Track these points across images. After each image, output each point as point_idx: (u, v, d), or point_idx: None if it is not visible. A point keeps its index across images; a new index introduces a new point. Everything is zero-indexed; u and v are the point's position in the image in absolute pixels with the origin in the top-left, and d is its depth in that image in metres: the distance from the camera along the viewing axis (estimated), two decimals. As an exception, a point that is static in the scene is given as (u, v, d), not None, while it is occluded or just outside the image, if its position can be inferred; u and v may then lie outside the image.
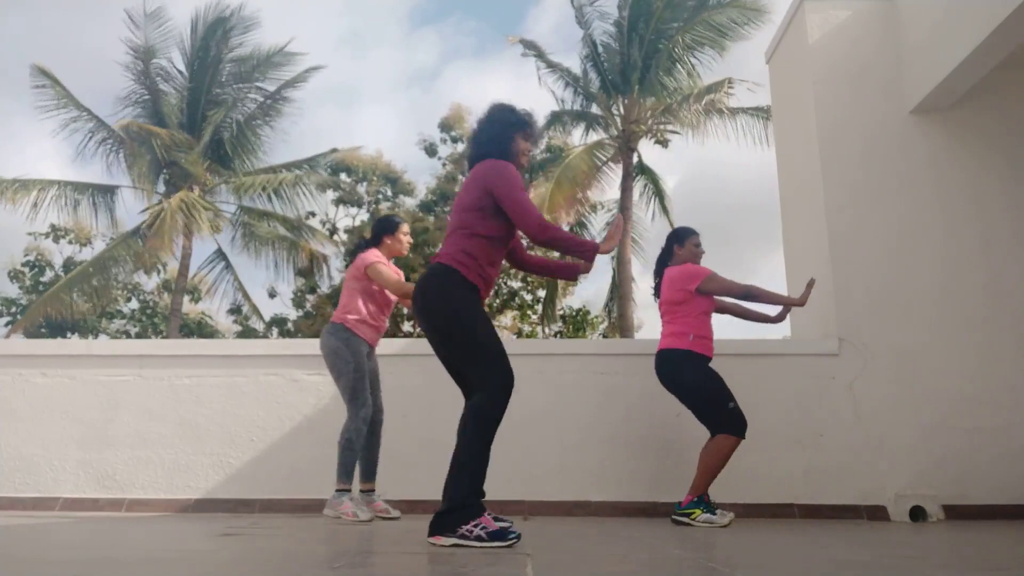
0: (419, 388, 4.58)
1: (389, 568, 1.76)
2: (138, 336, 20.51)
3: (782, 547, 2.48)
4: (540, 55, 14.78)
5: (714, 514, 3.79)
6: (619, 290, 14.58)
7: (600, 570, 1.77)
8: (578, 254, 2.83)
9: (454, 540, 2.39)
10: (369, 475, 4.08)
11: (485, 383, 2.60)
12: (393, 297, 4.11)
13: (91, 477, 4.67)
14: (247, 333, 19.88)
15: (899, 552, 2.31)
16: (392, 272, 4.04)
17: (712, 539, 2.79)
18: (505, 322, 18.76)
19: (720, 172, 36.44)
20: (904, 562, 1.99)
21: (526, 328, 18.90)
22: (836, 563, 1.95)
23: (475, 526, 2.40)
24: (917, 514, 4.34)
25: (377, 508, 4.00)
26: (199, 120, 15.49)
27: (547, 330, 18.45)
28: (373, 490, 4.08)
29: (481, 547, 2.34)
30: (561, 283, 17.00)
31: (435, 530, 2.45)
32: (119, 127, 14.73)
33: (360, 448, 3.91)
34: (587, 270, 3.09)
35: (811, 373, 4.66)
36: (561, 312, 18.69)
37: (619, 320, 14.68)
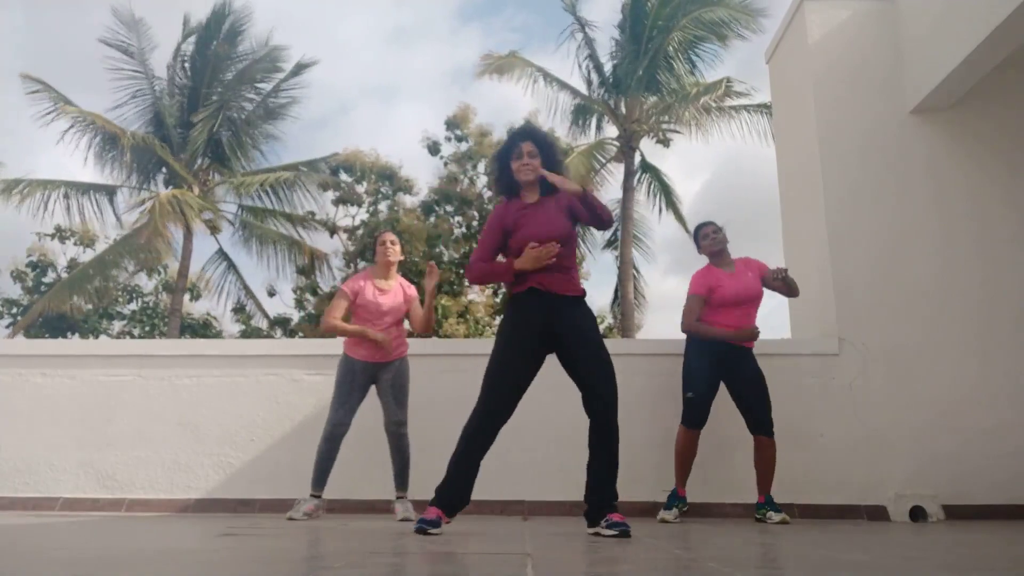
0: (419, 388, 4.58)
1: (389, 568, 1.76)
2: (140, 338, 20.48)
3: (782, 547, 2.48)
4: (538, 69, 14.80)
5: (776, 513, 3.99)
6: (622, 289, 14.59)
7: (600, 570, 1.77)
8: (501, 279, 3.21)
9: None
10: (396, 483, 4.19)
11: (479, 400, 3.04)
12: (386, 307, 4.14)
13: (91, 477, 4.67)
14: (250, 333, 19.86)
15: (899, 552, 2.31)
16: (335, 310, 4.16)
17: (712, 539, 2.79)
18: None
19: (752, 168, 36.30)
20: (904, 562, 1.99)
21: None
22: (836, 563, 1.95)
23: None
24: (917, 514, 4.34)
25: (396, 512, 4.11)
26: (192, 121, 15.49)
27: None
28: (398, 497, 4.17)
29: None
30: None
31: None
32: (88, 119, 14.63)
33: (321, 453, 4.05)
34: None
35: (811, 373, 4.66)
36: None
37: (621, 320, 14.68)
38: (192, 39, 15.68)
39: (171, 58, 15.70)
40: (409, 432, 4.17)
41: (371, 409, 4.27)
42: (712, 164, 40.25)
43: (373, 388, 4.24)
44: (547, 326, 3.07)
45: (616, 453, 3.01)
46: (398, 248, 4.27)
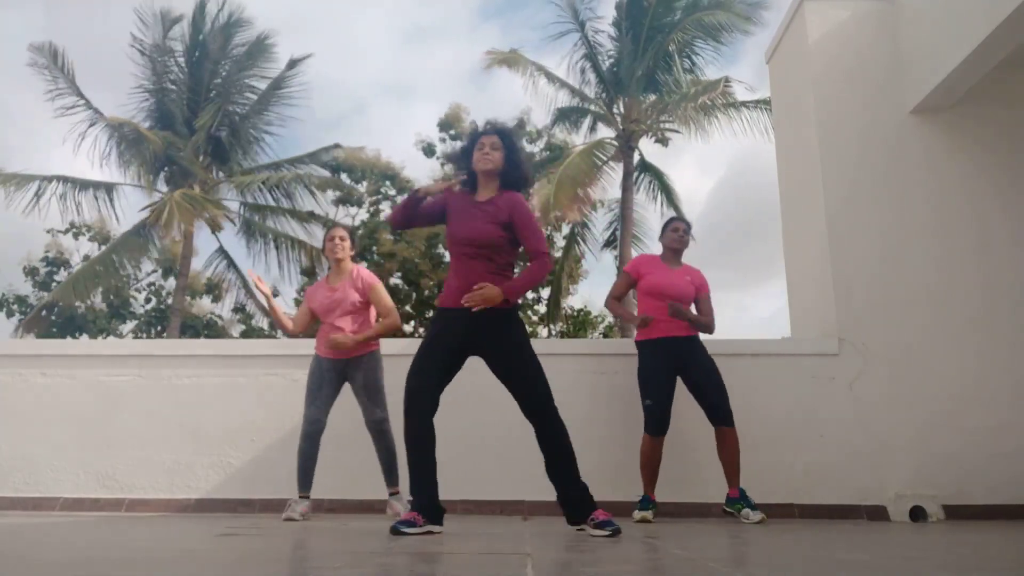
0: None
1: (388, 568, 1.76)
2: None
3: (782, 547, 2.48)
4: (534, 66, 14.80)
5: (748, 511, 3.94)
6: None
7: (600, 570, 1.77)
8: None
9: None
10: (386, 480, 4.18)
11: None
12: (329, 301, 4.18)
13: (91, 477, 4.67)
14: (250, 332, 19.83)
15: (899, 552, 2.31)
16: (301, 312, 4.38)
17: (711, 539, 2.79)
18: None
19: (765, 166, 36.05)
20: (904, 562, 1.99)
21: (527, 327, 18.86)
22: (836, 563, 1.95)
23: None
24: (917, 514, 4.34)
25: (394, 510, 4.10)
26: (197, 116, 15.49)
27: (552, 328, 18.47)
28: (391, 494, 4.17)
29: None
30: (565, 282, 17.06)
31: None
32: (111, 121, 14.64)
33: (302, 452, 4.05)
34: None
35: (811, 373, 4.66)
36: (564, 312, 18.69)
37: (620, 319, 14.69)
38: (186, 32, 15.69)
39: (160, 52, 15.69)
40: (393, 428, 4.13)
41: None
42: (727, 162, 40.02)
43: (349, 387, 4.24)
44: (467, 339, 3.11)
45: (568, 445, 3.09)
46: (347, 244, 4.19)
